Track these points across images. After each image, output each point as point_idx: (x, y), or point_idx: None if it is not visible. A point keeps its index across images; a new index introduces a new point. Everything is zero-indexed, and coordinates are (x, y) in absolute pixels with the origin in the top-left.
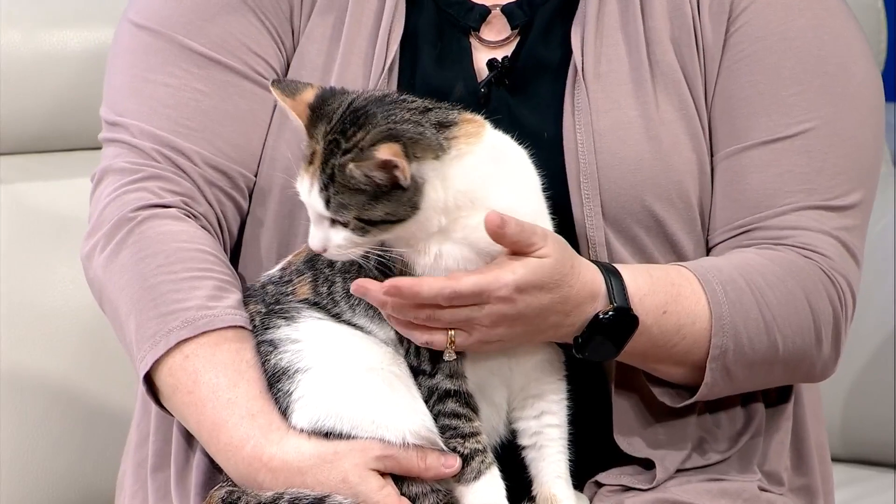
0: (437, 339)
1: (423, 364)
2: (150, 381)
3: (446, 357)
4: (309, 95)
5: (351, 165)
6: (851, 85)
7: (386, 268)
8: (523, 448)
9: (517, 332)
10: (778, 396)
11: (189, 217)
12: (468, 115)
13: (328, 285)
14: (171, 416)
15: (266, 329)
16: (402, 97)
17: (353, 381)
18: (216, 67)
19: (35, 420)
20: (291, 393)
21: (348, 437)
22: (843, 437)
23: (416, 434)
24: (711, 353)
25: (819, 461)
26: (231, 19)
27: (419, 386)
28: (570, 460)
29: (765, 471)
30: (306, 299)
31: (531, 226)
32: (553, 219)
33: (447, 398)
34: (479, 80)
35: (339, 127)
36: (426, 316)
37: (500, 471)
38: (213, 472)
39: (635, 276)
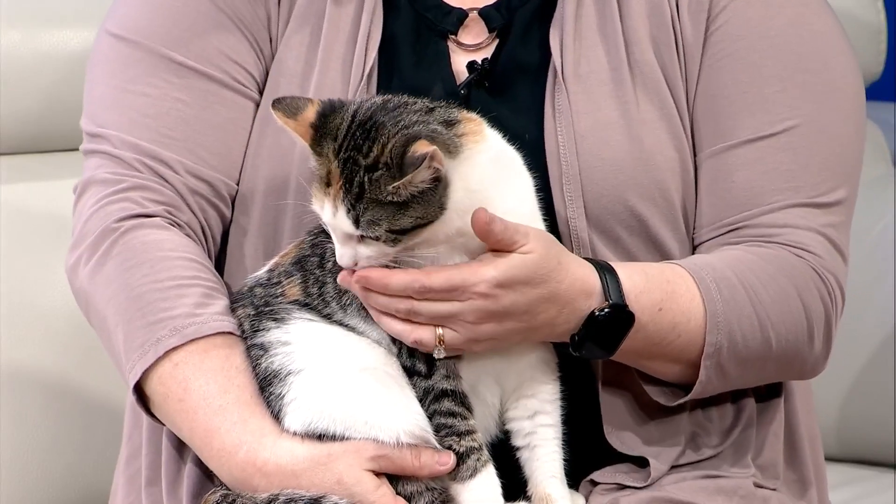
0: (426, 336)
1: (418, 365)
2: (139, 391)
3: (436, 355)
4: (310, 114)
5: (402, 182)
6: (833, 80)
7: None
8: (517, 448)
9: (508, 329)
10: (768, 389)
11: (173, 226)
12: (466, 114)
13: (318, 286)
14: (162, 425)
15: (256, 332)
16: (402, 100)
17: (346, 382)
18: (196, 77)
19: (34, 420)
20: (283, 396)
21: (342, 438)
22: (843, 437)
23: (410, 433)
24: (706, 350)
25: (811, 453)
26: (209, 29)
27: (414, 387)
28: (564, 459)
29: (759, 464)
30: (296, 300)
31: (515, 224)
32: (544, 219)
33: (443, 398)
34: (458, 83)
35: (350, 144)
36: (405, 309)
37: (496, 469)
38: (205, 481)
39: (630, 274)
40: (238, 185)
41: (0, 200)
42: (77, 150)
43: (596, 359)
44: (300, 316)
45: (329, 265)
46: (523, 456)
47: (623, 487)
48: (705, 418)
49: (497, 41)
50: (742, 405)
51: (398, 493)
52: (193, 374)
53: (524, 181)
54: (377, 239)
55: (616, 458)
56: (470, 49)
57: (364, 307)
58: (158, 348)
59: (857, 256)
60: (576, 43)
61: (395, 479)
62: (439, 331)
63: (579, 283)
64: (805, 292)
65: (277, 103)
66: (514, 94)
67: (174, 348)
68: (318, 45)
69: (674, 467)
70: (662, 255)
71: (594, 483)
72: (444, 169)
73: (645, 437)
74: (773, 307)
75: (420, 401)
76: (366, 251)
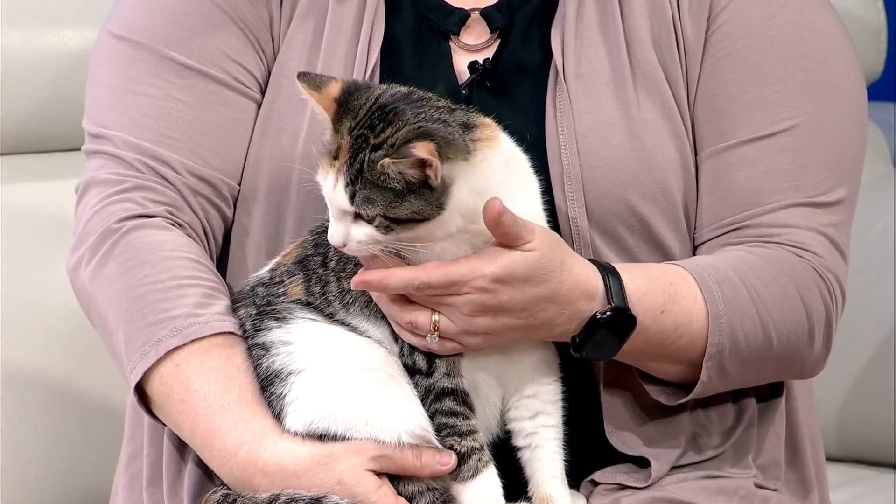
0: (421, 319)
1: (420, 363)
2: (140, 391)
3: (429, 340)
4: (334, 89)
5: (386, 160)
6: (833, 79)
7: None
8: (519, 449)
9: (503, 325)
10: (769, 389)
11: (174, 226)
12: (484, 119)
13: (321, 285)
14: (164, 425)
15: (258, 332)
16: (427, 95)
17: (347, 382)
18: (197, 77)
19: (34, 420)
20: (284, 396)
21: (343, 438)
22: (843, 437)
23: (411, 433)
24: (708, 351)
25: (812, 454)
26: (210, 28)
27: (416, 385)
28: (565, 460)
29: (760, 464)
30: (299, 300)
31: (524, 220)
32: (547, 220)
33: (444, 396)
34: (459, 83)
35: (366, 122)
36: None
37: (497, 469)
38: (206, 481)
39: (633, 276)
40: (239, 185)
41: (0, 200)
42: (77, 150)
43: (597, 360)
44: (302, 316)
45: (332, 264)
46: (524, 456)
47: (624, 487)
48: (706, 418)
49: (498, 41)
50: (743, 405)
51: (399, 493)
52: (194, 374)
53: (531, 184)
54: (371, 222)
55: (617, 458)
56: (472, 49)
57: (367, 307)
58: (159, 349)
59: (857, 256)
60: (577, 43)
61: (396, 479)
62: (435, 317)
63: (582, 284)
64: (806, 292)
65: (303, 76)
66: (516, 94)
67: (175, 348)
68: (319, 45)
69: (675, 467)
70: (664, 254)
71: (595, 483)
72: (437, 176)
73: (646, 438)
74: (775, 307)
75: (422, 400)
76: (357, 234)
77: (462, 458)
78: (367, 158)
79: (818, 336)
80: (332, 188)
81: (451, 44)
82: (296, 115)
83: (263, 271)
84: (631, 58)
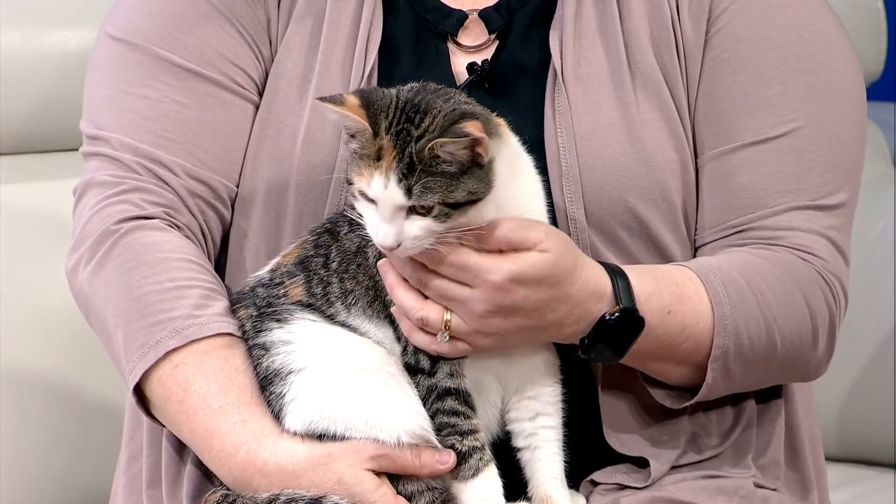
0: (433, 315)
1: (422, 362)
2: (139, 392)
3: (439, 339)
4: (354, 99)
5: (440, 140)
6: (834, 81)
7: None
8: (519, 450)
9: (514, 325)
10: (769, 390)
11: (172, 228)
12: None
13: (323, 286)
14: (163, 426)
15: (258, 333)
16: (440, 86)
17: (347, 382)
18: (195, 79)
19: (34, 420)
20: (284, 395)
21: (342, 438)
22: (843, 437)
23: (411, 433)
24: (713, 353)
25: (812, 454)
26: (208, 30)
27: (418, 385)
28: (565, 460)
29: (759, 465)
30: (299, 301)
31: (528, 222)
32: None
33: (446, 396)
34: (457, 84)
35: (401, 118)
36: (416, 277)
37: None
38: (205, 482)
39: (640, 277)
40: (238, 187)
41: (0, 200)
42: (77, 150)
43: (605, 362)
44: (303, 316)
45: (334, 265)
46: (524, 457)
47: (623, 487)
48: (706, 419)
49: (497, 42)
50: (742, 406)
51: (399, 493)
52: (193, 375)
53: (537, 182)
54: (428, 212)
55: (616, 458)
56: (470, 50)
57: (369, 307)
58: (158, 350)
59: (858, 257)
60: (576, 44)
61: (395, 478)
62: (446, 315)
63: (592, 285)
64: (810, 295)
65: (322, 98)
66: (514, 96)
67: (174, 350)
68: (317, 47)
69: (674, 467)
70: (663, 256)
71: (595, 483)
72: (486, 151)
73: (645, 439)
74: (780, 310)
75: (423, 399)
76: (412, 230)
77: (463, 457)
78: (415, 149)
79: (821, 339)
80: (384, 188)
81: (449, 45)
82: (293, 117)
83: (263, 272)
84: (630, 59)
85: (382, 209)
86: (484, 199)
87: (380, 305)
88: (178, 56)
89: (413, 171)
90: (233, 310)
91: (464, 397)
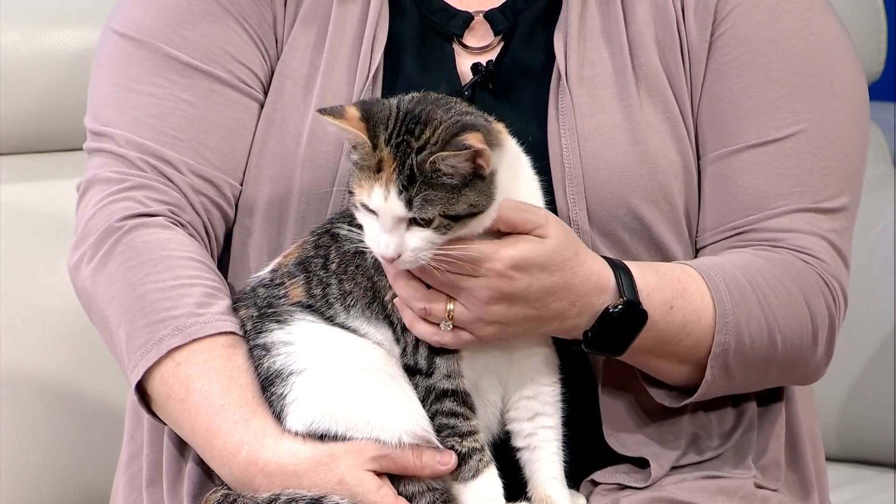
0: (436, 307)
1: (421, 363)
2: (141, 390)
3: (442, 328)
4: (354, 111)
5: (441, 154)
6: (837, 85)
7: None
8: (518, 450)
9: (517, 314)
10: (769, 392)
11: (176, 225)
12: (489, 117)
13: (322, 287)
14: (164, 424)
15: (258, 333)
16: (440, 97)
17: (348, 382)
18: (200, 76)
19: (35, 420)
20: (285, 396)
21: (343, 438)
22: (843, 437)
23: (412, 433)
24: (714, 350)
25: (812, 455)
26: (214, 28)
27: (416, 386)
28: (565, 460)
29: (760, 466)
30: (299, 302)
31: (529, 206)
32: None
33: (444, 397)
34: (462, 85)
35: (401, 129)
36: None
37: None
38: (206, 480)
39: (643, 272)
40: (242, 185)
41: (0, 200)
42: (77, 150)
43: (607, 356)
44: (302, 317)
45: (333, 266)
46: (524, 457)
47: (624, 487)
48: (706, 420)
49: (502, 44)
50: (743, 408)
51: (400, 494)
52: (195, 373)
53: (535, 182)
54: (429, 224)
55: (617, 458)
56: (475, 52)
57: (367, 309)
58: (160, 348)
59: (858, 257)
60: (580, 46)
61: (396, 479)
62: (450, 306)
63: (594, 277)
64: (811, 297)
65: (322, 111)
66: (518, 97)
67: (176, 348)
68: (323, 46)
69: (674, 468)
70: (665, 257)
71: (595, 483)
72: (488, 164)
73: (645, 439)
74: (781, 310)
75: (422, 400)
76: (413, 241)
77: (463, 458)
78: (415, 161)
79: (821, 341)
80: (384, 200)
81: (455, 46)
82: (298, 116)
83: (264, 272)
84: (634, 61)
85: (383, 220)
86: (485, 211)
87: (378, 307)
88: (183, 53)
89: (413, 183)
90: (234, 309)
91: (462, 398)
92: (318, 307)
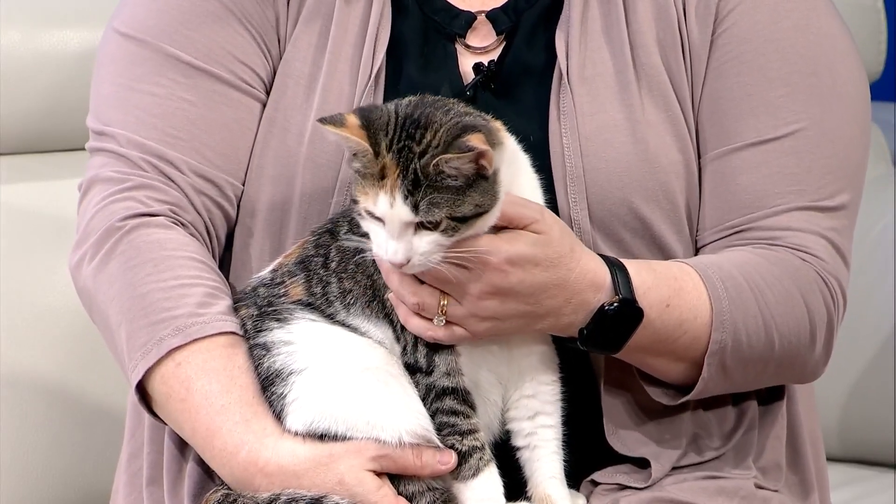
0: (429, 300)
1: (421, 361)
2: (142, 390)
3: (436, 323)
4: (353, 119)
5: (444, 156)
6: (838, 84)
7: None
8: (518, 449)
9: (510, 309)
10: (771, 392)
11: (177, 225)
12: (487, 116)
13: (322, 286)
14: (165, 424)
15: (259, 332)
16: (437, 99)
17: (348, 382)
18: (202, 76)
19: (35, 420)
20: (285, 395)
21: (343, 438)
22: (843, 437)
23: (413, 433)
24: (710, 348)
25: (813, 456)
26: (217, 28)
27: (416, 384)
28: (565, 460)
29: (760, 466)
30: (299, 300)
31: (526, 201)
32: None
33: (445, 396)
34: (464, 85)
35: (401, 135)
36: None
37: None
38: (206, 480)
39: (639, 270)
40: (244, 185)
41: (0, 200)
42: (77, 150)
43: (602, 354)
44: (303, 316)
45: (333, 265)
46: (524, 456)
47: (624, 488)
48: (707, 420)
49: (504, 44)
50: (744, 408)
51: (400, 493)
52: (196, 373)
53: (534, 180)
54: (436, 227)
55: (617, 458)
56: (478, 51)
57: (367, 307)
58: (161, 348)
59: (858, 257)
60: (581, 45)
61: (396, 478)
62: (443, 301)
63: (590, 274)
64: (809, 295)
65: (323, 120)
66: (520, 96)
67: (177, 348)
68: (325, 46)
69: (675, 468)
70: (666, 257)
71: (595, 483)
72: (491, 163)
73: (646, 439)
74: (778, 308)
75: (423, 399)
76: (421, 245)
77: (463, 457)
78: (418, 165)
79: (819, 339)
80: (390, 206)
81: (457, 46)
82: (300, 116)
83: (265, 272)
84: (635, 61)
85: (390, 227)
86: (491, 210)
87: (378, 305)
88: (185, 53)
89: (418, 187)
90: (234, 308)
91: (462, 396)
92: (319, 305)
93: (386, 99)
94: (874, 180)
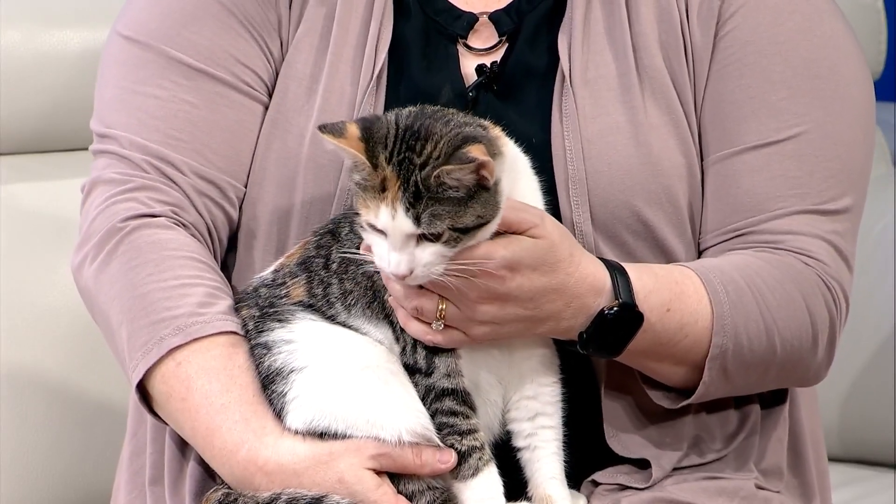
0: (428, 304)
1: (420, 363)
2: (143, 389)
3: (434, 328)
4: (354, 130)
5: (445, 168)
6: (841, 87)
7: None
8: (518, 449)
9: (509, 314)
10: (773, 395)
11: (178, 226)
12: (486, 122)
13: (323, 287)
14: (165, 423)
15: (260, 332)
16: (437, 109)
17: (348, 380)
18: (204, 79)
19: (35, 420)
20: (286, 394)
21: (343, 436)
22: (843, 437)
23: (412, 432)
24: (711, 352)
25: (815, 458)
26: (219, 31)
27: (416, 385)
28: (566, 460)
29: (762, 469)
30: (300, 301)
31: (526, 205)
32: None
33: (444, 397)
34: (466, 86)
35: (401, 147)
36: None
37: (498, 468)
38: (207, 479)
39: (640, 274)
40: (246, 187)
41: (0, 200)
42: (77, 150)
43: (602, 358)
44: (304, 316)
45: (334, 266)
46: (524, 457)
47: (624, 488)
48: (709, 423)
49: (506, 45)
50: (747, 411)
51: (399, 492)
52: (196, 373)
53: (534, 183)
54: (438, 238)
55: (618, 459)
56: (479, 53)
57: (368, 308)
58: (161, 347)
59: (858, 257)
60: (584, 48)
61: (396, 477)
62: (441, 305)
63: (590, 278)
64: (811, 299)
65: (322, 128)
66: (522, 98)
67: (177, 347)
68: (327, 48)
69: (676, 469)
70: (668, 260)
71: (596, 483)
72: (492, 174)
73: (647, 441)
74: (780, 312)
75: (422, 399)
76: (423, 256)
77: (463, 456)
78: (419, 177)
79: (821, 343)
80: (392, 218)
81: (459, 47)
82: (302, 117)
83: (267, 272)
84: (638, 63)
85: (392, 239)
86: (492, 220)
87: (379, 306)
88: (187, 56)
89: (420, 199)
90: (235, 309)
91: (462, 397)
92: (320, 306)
93: (387, 100)
94: (874, 180)
